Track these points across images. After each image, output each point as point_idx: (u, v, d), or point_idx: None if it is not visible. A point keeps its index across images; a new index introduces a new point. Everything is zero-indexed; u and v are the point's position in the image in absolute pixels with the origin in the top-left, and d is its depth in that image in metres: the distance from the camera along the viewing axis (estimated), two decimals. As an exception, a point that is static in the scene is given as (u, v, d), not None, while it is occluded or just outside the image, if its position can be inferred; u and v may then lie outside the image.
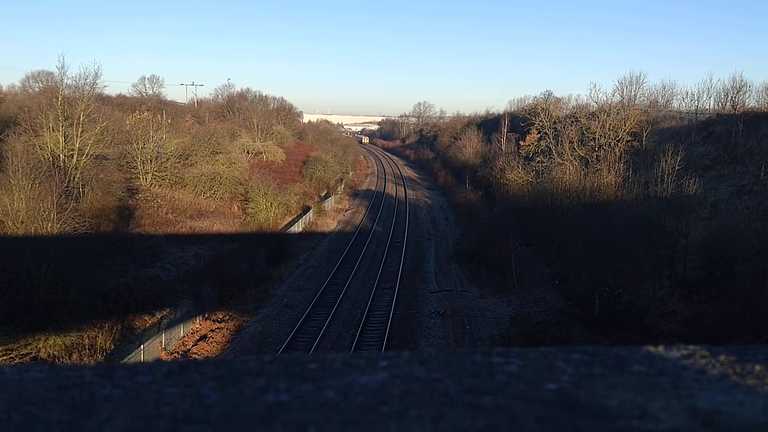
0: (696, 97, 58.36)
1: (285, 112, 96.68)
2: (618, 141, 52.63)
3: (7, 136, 35.48)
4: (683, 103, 60.32)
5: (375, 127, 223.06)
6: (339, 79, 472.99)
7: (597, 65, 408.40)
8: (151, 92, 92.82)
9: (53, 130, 36.58)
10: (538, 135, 63.59)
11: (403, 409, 1.13)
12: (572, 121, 58.30)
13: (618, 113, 55.00)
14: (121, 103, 70.82)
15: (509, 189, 56.47)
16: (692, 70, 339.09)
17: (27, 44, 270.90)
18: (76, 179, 34.65)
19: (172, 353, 25.56)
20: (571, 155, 53.14)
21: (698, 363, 1.37)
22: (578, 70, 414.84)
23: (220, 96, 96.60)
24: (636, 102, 58.77)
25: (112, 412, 1.12)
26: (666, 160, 39.53)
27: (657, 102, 65.47)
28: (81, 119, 37.44)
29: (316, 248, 43.99)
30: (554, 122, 61.65)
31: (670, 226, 33.33)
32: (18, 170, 26.57)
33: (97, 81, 41.88)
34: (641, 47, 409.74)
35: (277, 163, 66.24)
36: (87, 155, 37.15)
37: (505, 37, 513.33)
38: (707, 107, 57.03)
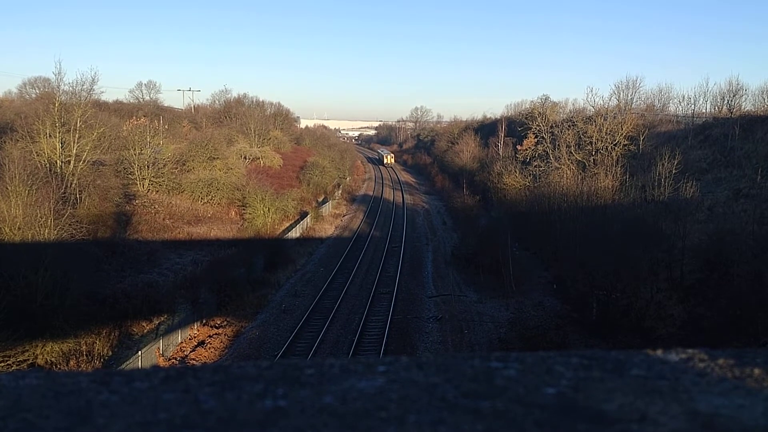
0: (692, 101, 58.69)
1: (282, 118, 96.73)
2: (615, 145, 52.77)
3: (4, 142, 35.46)
4: (680, 107, 60.60)
5: (372, 132, 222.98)
6: (336, 84, 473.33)
7: (594, 69, 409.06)
8: (148, 98, 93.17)
9: (50, 136, 36.56)
10: (535, 139, 63.74)
11: (401, 414, 1.13)
12: (569, 125, 58.48)
13: (615, 117, 55.18)
14: (118, 108, 70.92)
15: (506, 193, 56.59)
16: (689, 73, 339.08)
17: (24, 51, 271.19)
18: (73, 185, 34.63)
19: (170, 359, 25.50)
20: (568, 159, 53.25)
21: (697, 366, 1.37)
22: (575, 74, 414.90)
23: (217, 101, 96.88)
24: (633, 106, 59.04)
25: (108, 419, 1.11)
26: (663, 164, 39.63)
27: (654, 106, 65.76)
28: (78, 125, 37.42)
29: (314, 253, 43.97)
30: (551, 126, 61.83)
31: (668, 230, 33.39)
32: (15, 176, 26.53)
33: (94, 87, 42.02)
34: (638, 51, 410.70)
35: (274, 169, 66.28)
36: (84, 161, 37.15)
37: (502, 42, 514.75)
38: (704, 111, 57.28)
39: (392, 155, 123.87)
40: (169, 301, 28.61)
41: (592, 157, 53.09)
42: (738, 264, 28.05)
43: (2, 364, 20.76)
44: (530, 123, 64.05)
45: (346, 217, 60.61)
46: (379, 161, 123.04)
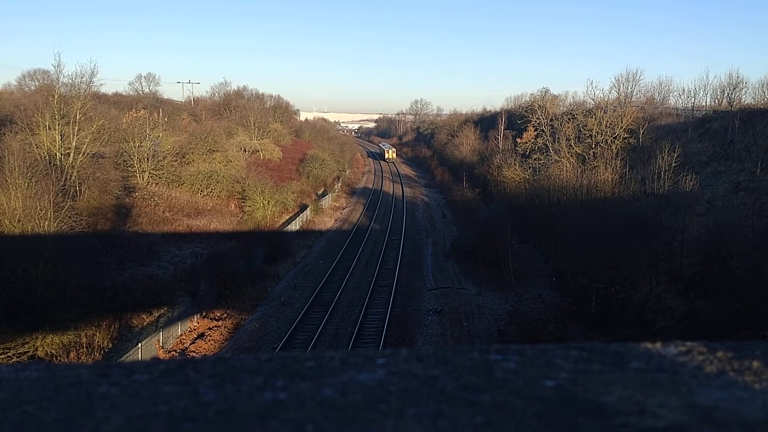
0: (692, 94, 58.47)
1: (282, 110, 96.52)
2: (615, 138, 52.73)
3: (4, 134, 35.37)
4: (680, 100, 60.49)
5: (372, 125, 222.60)
6: (336, 77, 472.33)
7: (594, 62, 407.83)
8: (147, 90, 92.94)
9: (50, 128, 36.49)
10: (535, 132, 63.69)
11: (401, 407, 1.13)
12: (569, 118, 58.44)
13: (615, 110, 55.13)
14: (117, 101, 70.74)
15: (506, 186, 56.56)
16: (689, 66, 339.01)
17: (23, 42, 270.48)
18: (72, 178, 34.59)
19: (170, 351, 25.55)
20: (568, 152, 53.22)
21: (696, 359, 1.37)
22: (575, 67, 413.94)
23: (216, 94, 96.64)
24: (633, 99, 59.01)
25: (108, 411, 1.12)
26: (663, 157, 39.62)
27: (654, 99, 65.62)
28: (77, 117, 37.34)
29: (314, 246, 43.99)
30: (551, 119, 61.77)
31: (667, 223, 33.40)
32: (14, 169, 26.51)
33: (94, 79, 41.88)
34: (638, 44, 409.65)
35: (274, 161, 66.21)
36: (83, 153, 37.09)
37: (502, 35, 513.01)
38: (704, 104, 57.10)
39: (394, 150, 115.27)
40: (168, 293, 28.64)
41: (591, 150, 53.05)
42: (737, 257, 28.06)
43: (2, 357, 20.79)
44: (530, 116, 63.96)
45: (345, 209, 60.60)
46: (379, 156, 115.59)
